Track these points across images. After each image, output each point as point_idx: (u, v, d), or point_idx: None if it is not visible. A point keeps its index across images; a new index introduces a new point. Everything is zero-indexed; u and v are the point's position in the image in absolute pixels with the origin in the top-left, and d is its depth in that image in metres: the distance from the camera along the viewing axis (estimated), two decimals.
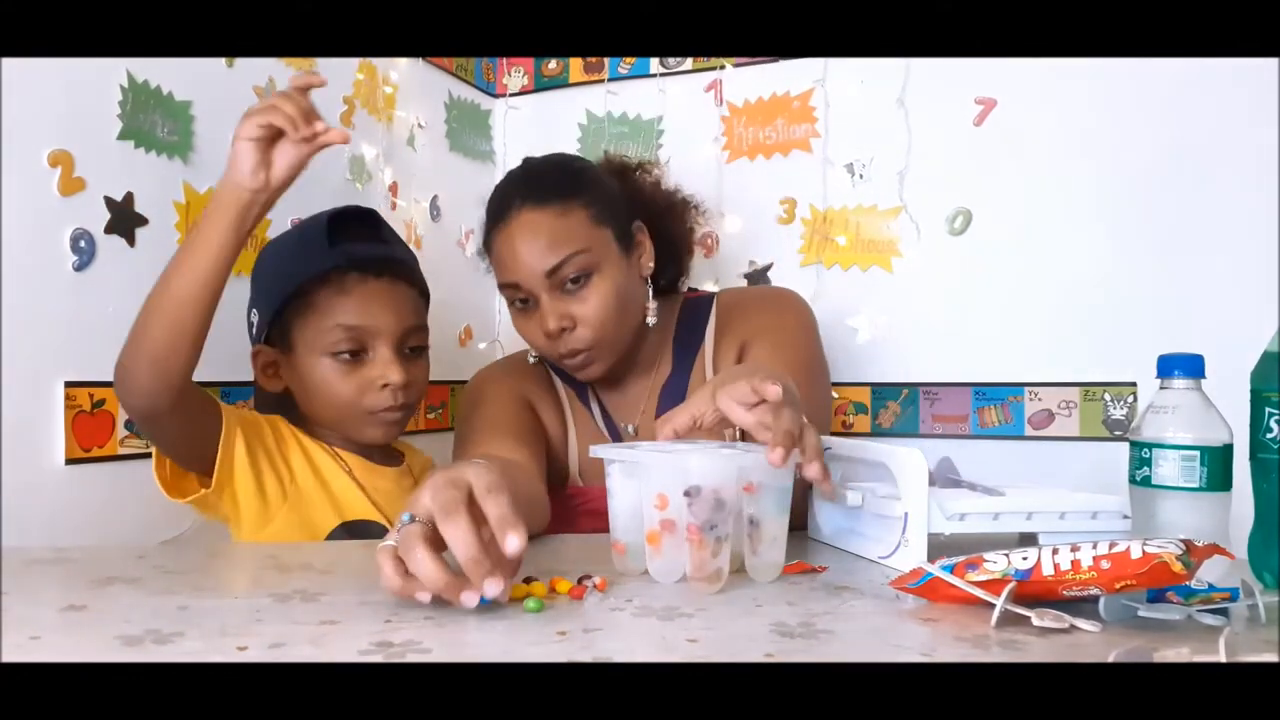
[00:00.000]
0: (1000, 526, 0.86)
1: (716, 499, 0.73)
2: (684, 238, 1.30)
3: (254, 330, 1.19)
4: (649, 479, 0.78)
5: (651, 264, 1.21)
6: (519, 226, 1.11)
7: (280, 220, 1.42)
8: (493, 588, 0.64)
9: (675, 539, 0.76)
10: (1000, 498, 0.88)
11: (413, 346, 1.18)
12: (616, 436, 1.23)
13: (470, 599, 0.65)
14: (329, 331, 1.12)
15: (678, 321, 1.24)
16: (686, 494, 0.73)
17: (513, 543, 0.65)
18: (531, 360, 1.26)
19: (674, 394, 1.19)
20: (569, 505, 1.23)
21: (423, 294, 1.23)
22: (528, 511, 0.91)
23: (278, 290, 1.14)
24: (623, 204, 1.19)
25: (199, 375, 1.27)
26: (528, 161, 1.23)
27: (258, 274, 1.21)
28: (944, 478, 0.98)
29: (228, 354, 1.25)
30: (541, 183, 1.14)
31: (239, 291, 1.32)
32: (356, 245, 1.14)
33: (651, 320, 1.20)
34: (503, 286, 1.16)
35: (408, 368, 1.16)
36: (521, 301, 1.15)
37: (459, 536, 0.65)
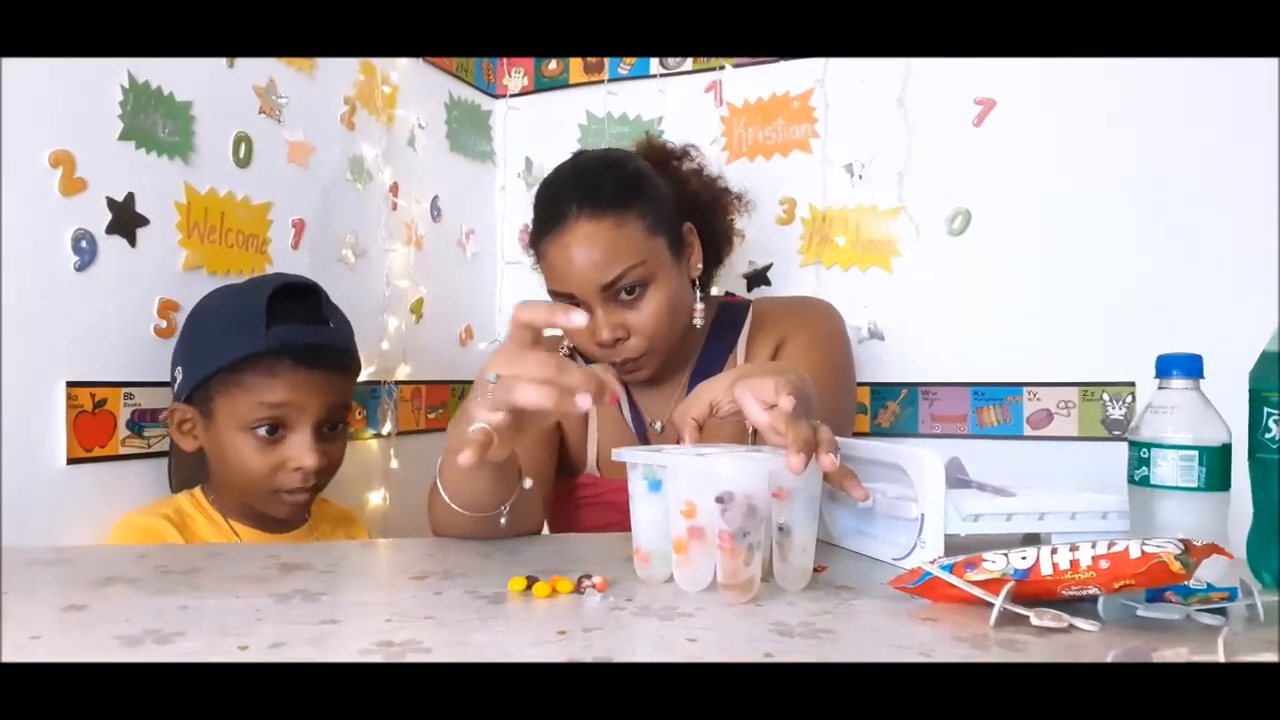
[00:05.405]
0: (1013, 527, 0.86)
1: (749, 505, 0.71)
2: (725, 230, 1.30)
3: (175, 387, 1.18)
4: (677, 485, 0.74)
5: (700, 265, 1.21)
6: (575, 237, 1.09)
7: (280, 220, 1.42)
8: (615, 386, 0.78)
9: (704, 547, 0.73)
10: (1013, 498, 0.88)
11: (333, 424, 1.19)
12: (642, 431, 1.23)
13: (585, 400, 0.74)
14: (252, 409, 1.12)
15: (713, 323, 1.25)
16: (719, 500, 0.71)
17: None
18: (564, 351, 1.25)
19: None
20: (579, 496, 1.23)
21: (352, 373, 1.23)
22: (518, 512, 0.92)
23: (209, 360, 1.13)
24: (674, 207, 1.18)
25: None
26: (579, 161, 1.20)
27: (188, 334, 1.19)
28: (953, 478, 0.98)
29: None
30: (597, 190, 1.11)
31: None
32: (293, 329, 1.13)
33: (698, 322, 1.20)
34: (554, 294, 1.14)
35: (325, 448, 1.17)
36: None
37: (544, 368, 0.74)
